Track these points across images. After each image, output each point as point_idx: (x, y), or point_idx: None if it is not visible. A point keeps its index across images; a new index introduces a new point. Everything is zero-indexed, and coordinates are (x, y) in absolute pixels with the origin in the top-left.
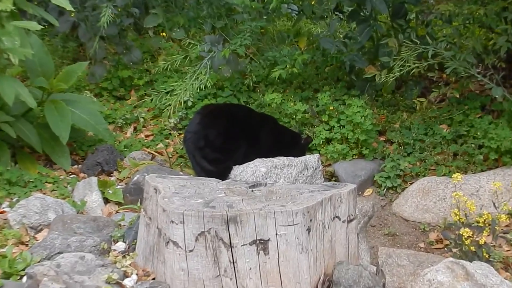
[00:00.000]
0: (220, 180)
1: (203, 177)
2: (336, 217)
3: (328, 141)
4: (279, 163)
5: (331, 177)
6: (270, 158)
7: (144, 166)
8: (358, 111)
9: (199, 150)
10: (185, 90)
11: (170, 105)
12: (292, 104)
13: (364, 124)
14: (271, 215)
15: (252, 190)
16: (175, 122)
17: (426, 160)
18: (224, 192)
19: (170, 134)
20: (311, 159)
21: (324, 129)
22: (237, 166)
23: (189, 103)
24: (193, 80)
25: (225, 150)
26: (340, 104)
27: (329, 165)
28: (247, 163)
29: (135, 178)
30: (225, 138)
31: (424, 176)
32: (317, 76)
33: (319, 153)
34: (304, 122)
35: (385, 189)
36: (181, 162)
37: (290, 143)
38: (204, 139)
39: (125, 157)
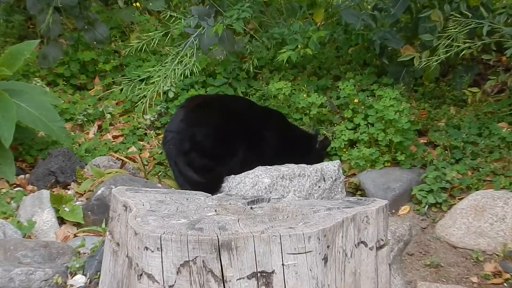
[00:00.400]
0: (210, 195)
1: (188, 191)
2: (362, 242)
3: (352, 143)
4: (287, 172)
5: (356, 190)
6: (276, 166)
7: (111, 176)
8: (391, 105)
9: (183, 155)
10: (165, 78)
11: (145, 96)
12: (305, 95)
13: (399, 121)
14: (276, 240)
15: (251, 208)
16: (152, 119)
17: (480, 169)
18: (215, 210)
19: (145, 134)
20: (330, 167)
21: (347, 128)
22: (232, 176)
23: (171, 94)
24: (175, 65)
25: (217, 155)
26: (367, 96)
27: (353, 175)
28: (246, 172)
29: (99, 192)
30: (217, 140)
31: (477, 189)
32: (337, 59)
33: (340, 160)
34: (321, 119)
35: (427, 206)
36: (160, 171)
37: (302, 146)
38: (190, 140)
39: (86, 164)
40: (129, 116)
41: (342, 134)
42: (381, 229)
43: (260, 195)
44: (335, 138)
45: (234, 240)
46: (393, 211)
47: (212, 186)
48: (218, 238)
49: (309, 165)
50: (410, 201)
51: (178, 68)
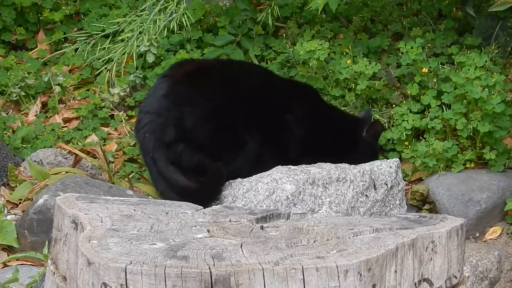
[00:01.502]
0: (202, 207)
1: (170, 201)
2: (425, 280)
3: (419, 134)
4: (320, 175)
5: (422, 203)
6: (304, 166)
7: (60, 178)
8: (476, 77)
9: (165, 149)
10: (140, 33)
11: (111, 61)
12: (349, 61)
13: (488, 102)
14: (297, 276)
15: (261, 227)
16: (122, 94)
17: None
18: (208, 230)
19: (111, 117)
20: (384, 168)
21: (411, 111)
22: (239, 180)
23: (150, 58)
24: (156, 14)
25: (216, 149)
26: (443, 63)
27: (419, 180)
28: (259, 175)
29: (41, 202)
30: (217, 126)
31: None
32: (400, 8)
33: (400, 157)
34: (373, 96)
35: None
36: (132, 171)
37: (343, 137)
38: (176, 126)
39: (23, 160)
40: (88, 90)
41: (403, 120)
42: (454, 261)
43: (276, 208)
44: (392, 125)
45: (235, 275)
46: (477, 234)
47: (207, 194)
48: (210, 272)
49: (353, 165)
50: (502, 220)
51: (160, 20)
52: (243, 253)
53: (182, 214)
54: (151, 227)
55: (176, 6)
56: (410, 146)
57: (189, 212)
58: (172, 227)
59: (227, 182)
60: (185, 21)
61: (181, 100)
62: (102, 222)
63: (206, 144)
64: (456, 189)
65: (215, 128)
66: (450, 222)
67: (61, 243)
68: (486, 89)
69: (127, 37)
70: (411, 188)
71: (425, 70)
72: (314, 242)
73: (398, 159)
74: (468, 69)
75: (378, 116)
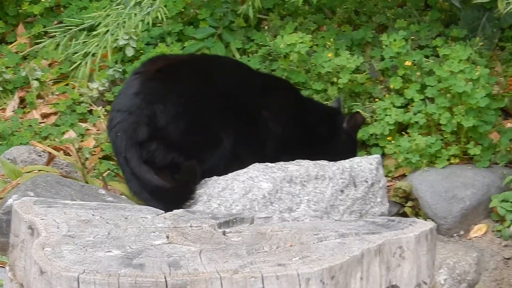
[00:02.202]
0: (162, 211)
1: (129, 205)
2: (393, 286)
3: (402, 129)
4: (298, 173)
5: (405, 200)
6: (282, 163)
7: (32, 176)
8: (460, 70)
9: (138, 148)
10: (118, 25)
11: (91, 55)
12: (330, 54)
13: (473, 96)
14: (257, 284)
15: (224, 232)
16: (101, 88)
17: None
18: (167, 236)
19: (90, 112)
20: (364, 165)
21: (394, 106)
22: (214, 179)
23: (129, 52)
24: (132, 7)
25: (190, 147)
26: (427, 56)
27: (402, 176)
28: (236, 173)
29: (9, 202)
30: (190, 123)
31: None
32: (381, 0)
33: (383, 153)
34: (355, 90)
35: (511, 225)
36: (109, 168)
37: (322, 130)
38: (148, 124)
39: None
40: (67, 85)
41: (386, 114)
42: (423, 267)
43: (239, 213)
44: (375, 120)
45: (191, 284)
46: (461, 232)
47: (181, 193)
48: (166, 281)
49: (332, 163)
50: (487, 217)
51: (139, 12)
52: (201, 260)
53: (142, 219)
54: (109, 233)
55: (152, 0)
56: (393, 142)
57: (149, 217)
58: (130, 233)
59: (202, 181)
60: (161, 15)
61: (153, 98)
62: (58, 228)
63: (180, 142)
64: (440, 186)
65: (188, 126)
66: (419, 226)
67: (18, 249)
68: (470, 82)
69: (106, 30)
70: (393, 185)
71: (408, 63)
72: (277, 248)
73: (379, 156)
74: (452, 62)
75: (360, 111)
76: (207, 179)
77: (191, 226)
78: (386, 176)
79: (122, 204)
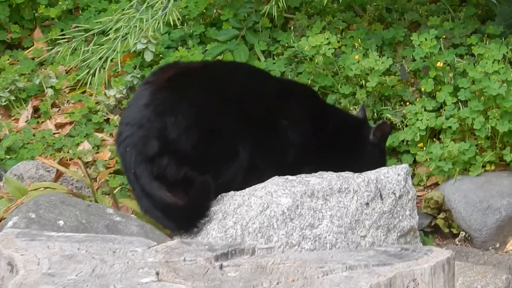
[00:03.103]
0: (154, 243)
1: (120, 236)
2: None
3: (434, 134)
4: (320, 186)
5: (437, 211)
6: (302, 175)
7: (37, 194)
8: (495, 71)
9: (148, 163)
10: (130, 29)
11: (107, 59)
12: (357, 56)
13: (508, 98)
14: None
15: (221, 266)
16: (119, 95)
17: None
18: (156, 273)
19: (106, 121)
20: (391, 176)
21: (426, 110)
22: (230, 194)
23: (148, 56)
24: (143, 12)
25: (205, 161)
26: (462, 55)
27: (436, 185)
28: (253, 188)
29: (10, 224)
30: (204, 136)
31: None
32: None
33: (414, 160)
34: (385, 94)
35: None
36: (122, 183)
37: (347, 141)
38: (159, 138)
39: (5, 172)
40: (83, 93)
41: (417, 119)
42: None
43: (238, 243)
44: (406, 125)
45: None
46: (497, 245)
47: (194, 211)
48: None
49: (356, 174)
50: None
51: (157, 15)
52: None
53: (131, 253)
54: (93, 270)
55: (167, 1)
56: (425, 148)
57: (140, 250)
58: (116, 269)
59: (218, 196)
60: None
61: (163, 109)
62: (38, 264)
63: (192, 155)
64: (474, 195)
65: (201, 138)
66: (435, 255)
67: None
68: (505, 84)
69: (114, 36)
70: (425, 195)
71: (440, 64)
72: (277, 284)
73: (407, 165)
74: (486, 62)
75: (390, 116)
76: (223, 194)
77: (184, 260)
78: (418, 185)
79: (111, 235)
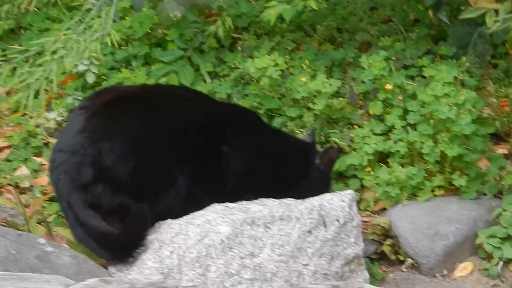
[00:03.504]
0: (74, 282)
1: (40, 274)
2: None
3: (382, 158)
4: (261, 214)
5: (385, 237)
6: (243, 202)
7: None
8: (445, 94)
9: (82, 191)
10: (74, 50)
11: (49, 81)
12: (304, 79)
13: (458, 121)
14: None
15: None
16: (59, 118)
17: None
18: None
19: (46, 145)
20: (335, 202)
21: (374, 133)
22: (167, 223)
23: (90, 78)
24: (80, 32)
25: (141, 189)
26: (412, 77)
27: (383, 210)
28: (191, 216)
29: None
30: (140, 162)
31: None
32: (369, 14)
33: (362, 185)
34: (333, 117)
35: (501, 263)
36: (58, 211)
37: (291, 167)
38: (93, 165)
39: None
40: (24, 115)
41: (365, 143)
42: None
43: (161, 281)
44: (354, 149)
45: None
46: (445, 272)
47: (129, 240)
48: None
49: (299, 201)
50: (474, 255)
51: (98, 32)
52: None
53: None
54: None
55: (104, 19)
56: (372, 173)
57: None
58: None
59: (156, 224)
60: (110, 40)
61: (98, 135)
62: None
63: (128, 183)
64: (421, 221)
65: (137, 165)
66: None
67: None
68: (455, 107)
69: (51, 58)
70: (372, 221)
71: (389, 86)
72: None
73: (352, 192)
74: (436, 85)
75: (337, 140)
76: (160, 222)
77: None
78: (365, 210)
79: (29, 274)
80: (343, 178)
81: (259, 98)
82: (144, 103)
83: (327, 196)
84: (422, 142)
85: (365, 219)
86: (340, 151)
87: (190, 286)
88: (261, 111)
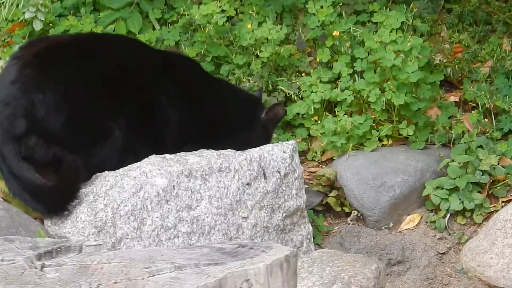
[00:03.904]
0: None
1: None
2: None
3: (331, 107)
4: (199, 165)
5: (330, 189)
6: (181, 154)
7: None
8: (393, 40)
9: (16, 142)
10: None
11: None
12: (249, 25)
13: (404, 69)
14: None
15: (43, 265)
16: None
17: None
18: None
19: None
20: (277, 153)
21: (321, 81)
22: (103, 175)
23: (37, 26)
24: None
25: (76, 140)
26: (364, 23)
27: (331, 160)
28: (127, 168)
29: None
30: (75, 113)
31: None
32: None
33: (309, 135)
34: (281, 64)
35: (448, 215)
36: None
37: (232, 119)
38: (26, 117)
39: None
40: None
41: (312, 91)
42: None
43: (64, 240)
44: (302, 97)
45: None
46: (391, 224)
47: (63, 192)
48: None
49: (238, 152)
50: (422, 206)
51: None
52: None
53: None
54: None
55: None
56: (319, 122)
57: None
58: None
59: (93, 177)
60: None
61: (30, 86)
62: None
63: (62, 134)
64: (367, 172)
65: (71, 116)
66: (273, 253)
67: None
68: (402, 54)
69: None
70: (318, 171)
71: (336, 33)
72: (98, 286)
73: (294, 142)
74: (385, 30)
75: (285, 89)
76: (97, 174)
77: (2, 260)
78: (313, 160)
79: None
80: (291, 127)
81: (207, 46)
82: (77, 53)
83: (267, 147)
84: (369, 91)
85: (313, 169)
86: (286, 112)
87: (94, 245)
88: (208, 59)
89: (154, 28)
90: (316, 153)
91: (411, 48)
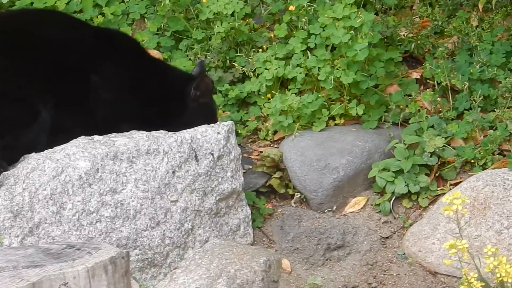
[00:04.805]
0: None
1: None
2: None
3: (282, 85)
4: (125, 148)
5: (275, 170)
6: (109, 136)
7: None
8: (346, 16)
9: None
10: None
11: None
12: (205, 0)
13: (353, 46)
14: None
15: None
16: None
17: (495, 131)
18: None
19: None
20: (210, 134)
21: (276, 57)
22: (25, 158)
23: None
24: None
25: (1, 122)
26: None
27: (277, 141)
28: (51, 150)
29: None
30: (0, 93)
31: (484, 168)
32: None
33: (261, 113)
34: (239, 40)
35: (393, 198)
36: None
37: (166, 99)
38: None
39: None
40: None
41: (266, 68)
42: None
43: None
44: (257, 75)
45: None
46: (334, 207)
47: None
48: None
49: (169, 134)
50: (369, 189)
51: None
52: None
53: None
54: None
55: None
56: (271, 101)
57: None
58: None
59: (21, 158)
60: None
61: None
62: None
63: None
64: (311, 153)
65: None
66: (99, 254)
67: None
68: (352, 31)
69: None
70: (264, 151)
71: (292, 7)
72: None
73: (230, 122)
74: (338, 6)
75: (237, 66)
76: (24, 156)
77: None
78: (264, 139)
79: None
80: (246, 105)
81: (167, 20)
82: (3, 31)
83: (200, 128)
84: (319, 68)
85: (263, 149)
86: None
87: None
88: (167, 33)
89: (123, 1)
90: (268, 132)
91: (362, 24)
